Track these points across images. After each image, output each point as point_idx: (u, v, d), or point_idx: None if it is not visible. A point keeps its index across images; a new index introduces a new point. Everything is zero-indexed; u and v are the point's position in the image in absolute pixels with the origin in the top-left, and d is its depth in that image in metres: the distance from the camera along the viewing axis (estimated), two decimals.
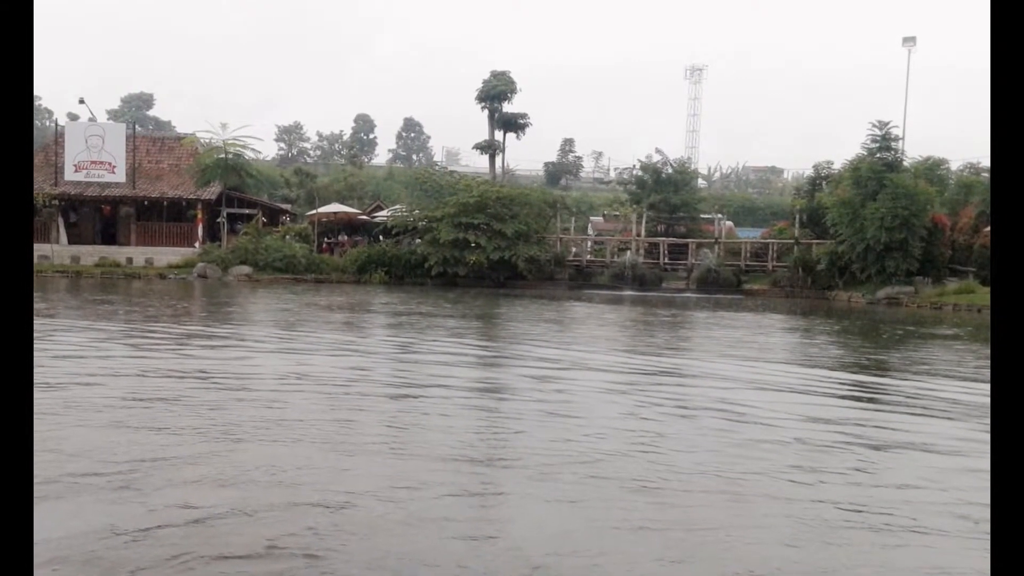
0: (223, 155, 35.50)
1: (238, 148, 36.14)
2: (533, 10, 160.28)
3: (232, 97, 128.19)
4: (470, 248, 31.53)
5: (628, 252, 34.78)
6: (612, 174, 68.88)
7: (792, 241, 33.73)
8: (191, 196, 34.83)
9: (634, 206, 39.60)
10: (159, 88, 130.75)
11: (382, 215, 38.27)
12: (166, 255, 33.85)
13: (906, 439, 6.32)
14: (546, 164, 76.53)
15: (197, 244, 34.28)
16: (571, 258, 35.80)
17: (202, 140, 37.84)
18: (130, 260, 33.70)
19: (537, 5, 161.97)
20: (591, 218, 49.06)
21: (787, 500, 4.58)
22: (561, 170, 76.65)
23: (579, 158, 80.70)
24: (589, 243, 39.13)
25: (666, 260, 35.21)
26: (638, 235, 36.54)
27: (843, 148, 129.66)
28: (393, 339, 13.00)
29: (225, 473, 4.73)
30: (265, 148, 69.07)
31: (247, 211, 36.49)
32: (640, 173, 40.75)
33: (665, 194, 38.66)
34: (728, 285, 32.13)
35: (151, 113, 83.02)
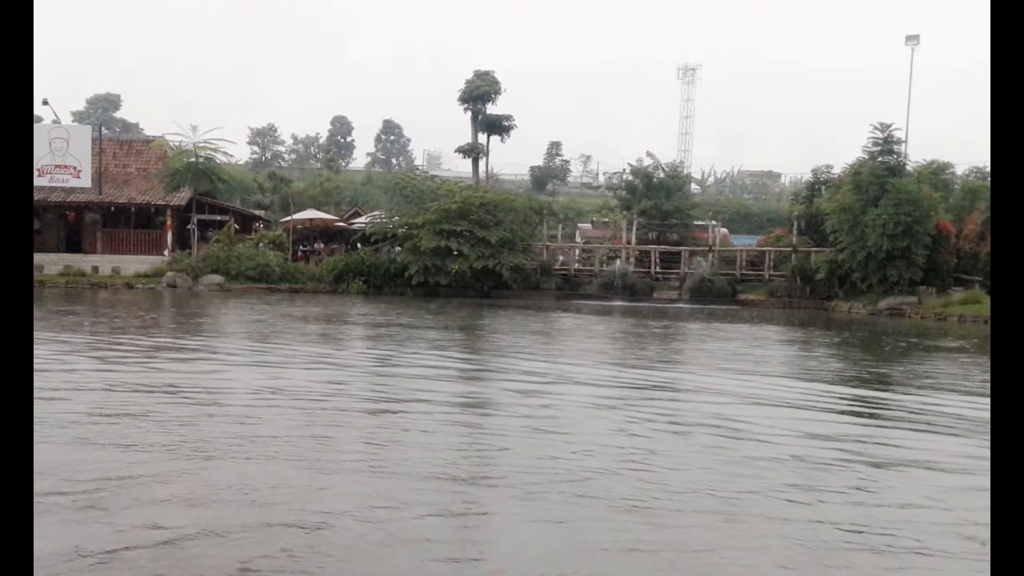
0: (193, 159, 34.84)
1: (209, 151, 35.52)
2: (519, 7, 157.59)
3: (203, 98, 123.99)
4: (452, 256, 31.35)
5: (618, 260, 34.70)
6: (601, 179, 68.87)
7: (790, 249, 33.33)
8: (160, 202, 34.22)
9: (624, 212, 39.39)
10: (126, 89, 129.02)
11: (360, 222, 38.07)
12: (134, 264, 33.14)
13: (909, 456, 6.26)
14: (532, 168, 76.24)
15: (166, 252, 33.69)
16: (558, 267, 35.66)
17: (171, 143, 37.06)
18: (96, 269, 32.98)
19: (523, 2, 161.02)
20: (579, 225, 48.69)
21: (784, 520, 4.52)
22: (548, 174, 76.35)
23: (566, 162, 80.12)
24: (577, 251, 38.91)
25: (657, 269, 35.08)
26: (628, 243, 36.52)
27: (843, 152, 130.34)
28: (372, 352, 12.87)
29: (196, 492, 4.68)
30: (237, 151, 67.22)
31: (219, 218, 35.81)
32: (630, 178, 40.42)
33: (656, 200, 38.31)
34: (722, 295, 31.94)
35: (118, 115, 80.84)
